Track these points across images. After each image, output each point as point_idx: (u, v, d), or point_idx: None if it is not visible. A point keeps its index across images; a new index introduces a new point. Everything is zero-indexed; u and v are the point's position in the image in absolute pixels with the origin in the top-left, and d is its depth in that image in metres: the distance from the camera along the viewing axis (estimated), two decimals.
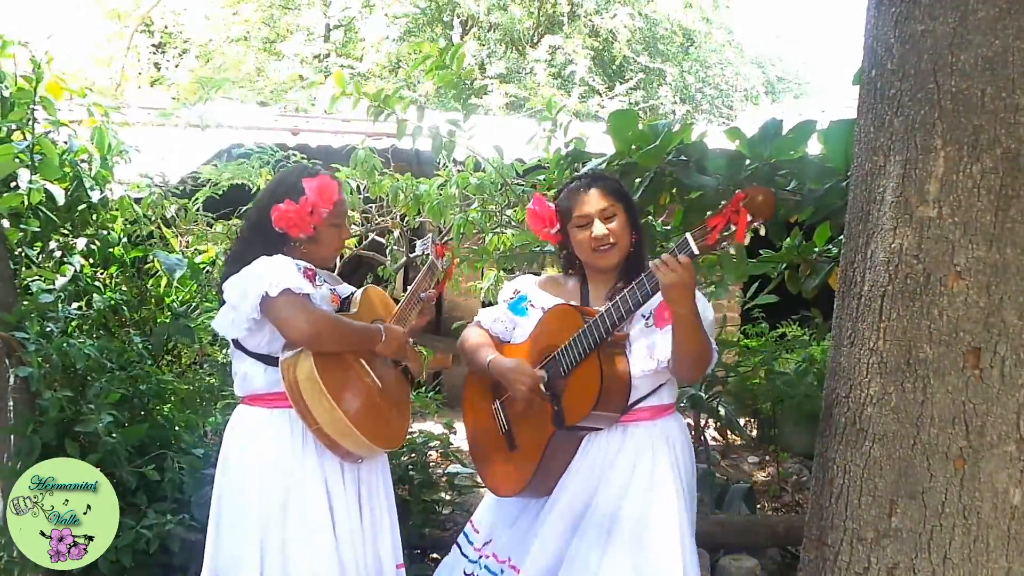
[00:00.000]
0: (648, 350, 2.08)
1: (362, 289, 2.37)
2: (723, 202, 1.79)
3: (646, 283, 1.95)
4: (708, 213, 1.84)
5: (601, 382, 2.00)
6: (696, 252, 1.86)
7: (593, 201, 2.16)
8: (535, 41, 14.57)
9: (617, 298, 2.01)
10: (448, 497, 3.56)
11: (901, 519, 1.77)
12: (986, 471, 1.71)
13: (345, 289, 2.39)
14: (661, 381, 2.14)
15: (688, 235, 1.88)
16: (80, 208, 3.27)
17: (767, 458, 4.93)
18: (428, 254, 2.52)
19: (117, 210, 3.48)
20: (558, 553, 2.10)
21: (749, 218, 1.81)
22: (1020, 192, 1.70)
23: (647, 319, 2.11)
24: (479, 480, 4.02)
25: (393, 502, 2.37)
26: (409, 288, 2.47)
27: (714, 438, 5.29)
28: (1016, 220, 1.70)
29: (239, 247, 2.29)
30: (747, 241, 1.86)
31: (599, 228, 2.14)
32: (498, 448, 2.23)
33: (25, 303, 2.90)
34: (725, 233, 1.84)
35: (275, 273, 2.09)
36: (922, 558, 1.74)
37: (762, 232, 1.85)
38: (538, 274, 2.80)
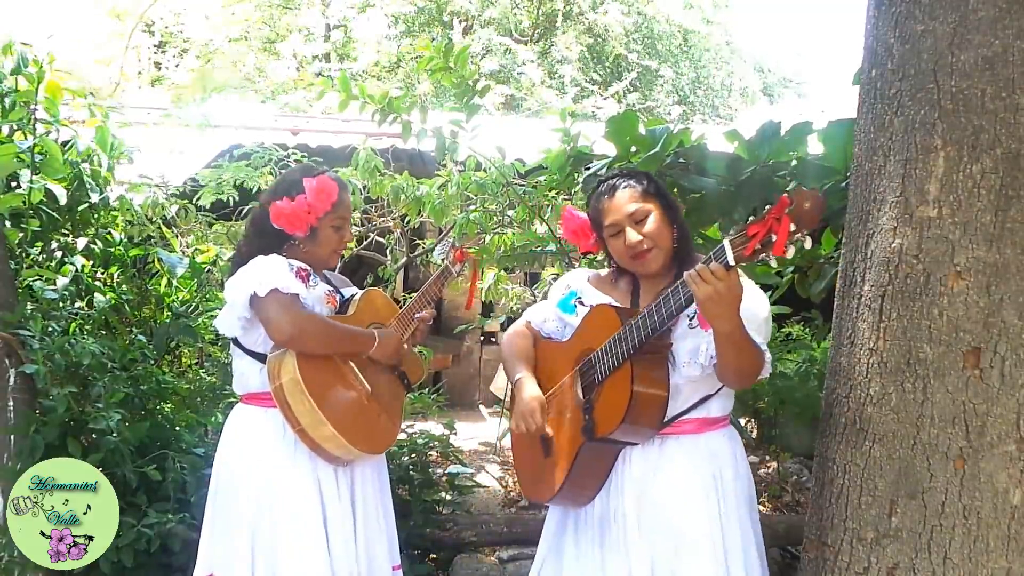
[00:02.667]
0: (692, 354, 1.90)
1: (361, 292, 2.36)
2: (768, 206, 1.57)
3: (680, 293, 1.74)
4: (750, 219, 1.61)
5: (632, 394, 1.82)
6: (732, 263, 1.63)
7: (621, 206, 1.97)
8: (535, 39, 14.58)
9: (652, 305, 1.82)
10: (448, 497, 3.56)
11: (901, 519, 1.77)
12: (986, 471, 1.71)
13: (350, 292, 2.38)
14: (709, 391, 1.96)
15: (725, 242, 1.64)
16: (81, 208, 3.27)
17: (767, 458, 4.93)
18: (444, 259, 2.50)
19: (117, 210, 3.48)
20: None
21: (792, 227, 1.54)
22: (1020, 192, 1.70)
23: (691, 319, 1.92)
24: (479, 480, 4.03)
25: (390, 504, 2.36)
26: (417, 292, 2.46)
27: None
28: (1016, 220, 1.70)
29: (243, 246, 2.30)
30: (789, 254, 1.57)
31: (632, 235, 1.96)
32: (535, 452, 2.09)
33: (29, 303, 2.91)
34: (766, 243, 1.58)
35: (265, 272, 2.10)
36: (922, 558, 1.74)
37: (807, 245, 1.58)
38: (538, 274, 2.79)
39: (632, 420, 1.84)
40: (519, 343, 2.17)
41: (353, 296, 2.34)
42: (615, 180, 2.03)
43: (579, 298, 2.12)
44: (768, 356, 1.89)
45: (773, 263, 1.87)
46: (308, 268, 2.22)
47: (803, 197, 1.55)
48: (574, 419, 1.98)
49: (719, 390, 1.97)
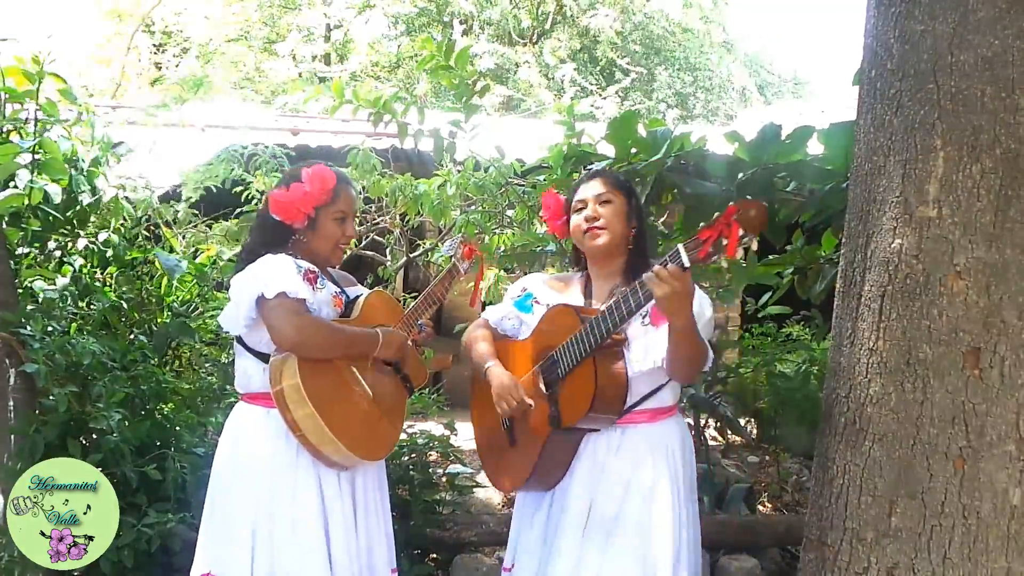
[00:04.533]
0: (645, 350, 2.07)
1: (366, 293, 2.35)
2: (716, 214, 1.80)
3: (639, 292, 1.91)
4: (701, 225, 1.84)
5: (596, 386, 2.00)
6: (687, 264, 1.80)
7: (592, 187, 2.19)
8: (534, 40, 14.59)
9: (611, 303, 1.99)
10: (448, 497, 3.56)
11: (901, 519, 1.77)
12: (986, 471, 1.71)
13: (356, 292, 2.37)
14: (660, 382, 2.12)
15: (680, 246, 1.82)
16: (78, 208, 3.27)
17: (767, 458, 4.93)
18: (452, 257, 2.49)
19: (113, 210, 3.48)
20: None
21: (740, 232, 1.75)
22: (1020, 192, 1.70)
23: (644, 317, 2.10)
24: (479, 480, 4.03)
25: (388, 506, 2.36)
26: (424, 292, 2.45)
27: (714, 438, 5.29)
28: (1016, 220, 1.70)
29: (248, 244, 2.30)
30: (739, 255, 1.85)
31: (590, 210, 2.16)
32: (500, 443, 2.26)
33: (29, 303, 2.91)
34: (717, 246, 1.78)
35: (273, 274, 2.09)
36: (922, 558, 1.74)
37: (753, 247, 1.85)
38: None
39: (596, 409, 2.02)
40: (481, 337, 2.33)
41: (358, 297, 2.33)
42: (597, 171, 2.30)
43: (535, 298, 2.30)
44: (711, 352, 2.09)
45: (724, 264, 2.05)
46: (316, 270, 2.20)
47: (749, 206, 1.77)
48: (540, 410, 2.13)
49: (668, 381, 2.14)
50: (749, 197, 2.61)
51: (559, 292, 2.28)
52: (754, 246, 1.83)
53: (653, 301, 1.88)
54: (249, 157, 4.22)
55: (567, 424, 2.07)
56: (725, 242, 1.76)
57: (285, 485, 2.12)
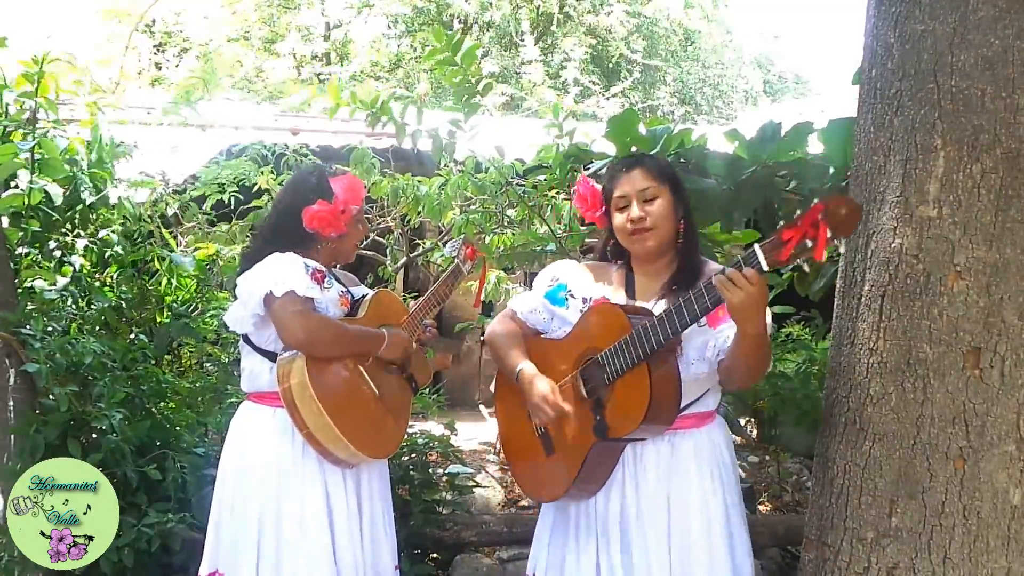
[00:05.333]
0: (700, 351, 1.92)
1: (372, 293, 2.36)
2: (798, 211, 1.59)
3: (706, 296, 1.73)
4: (780, 224, 1.64)
5: (651, 396, 1.81)
6: (766, 268, 1.63)
7: (634, 181, 1.99)
8: (533, 40, 14.59)
9: (674, 307, 1.79)
10: (448, 497, 3.56)
11: (901, 519, 1.77)
12: (986, 471, 1.71)
13: (360, 291, 2.38)
14: (709, 385, 1.99)
15: (757, 247, 1.64)
16: (79, 208, 3.27)
17: (767, 458, 4.93)
18: (455, 257, 2.48)
19: (115, 210, 3.48)
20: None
21: (829, 233, 1.54)
22: (1020, 192, 1.70)
23: (701, 318, 1.90)
24: (479, 480, 4.03)
25: (391, 504, 2.37)
26: (427, 292, 2.46)
27: None
28: (1016, 220, 1.70)
29: (257, 245, 2.30)
30: (824, 259, 1.61)
31: (636, 209, 1.97)
32: (534, 451, 2.07)
33: (29, 303, 2.91)
34: (801, 248, 1.58)
35: (282, 272, 2.10)
36: (922, 558, 1.74)
37: (842, 249, 1.65)
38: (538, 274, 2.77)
39: (649, 420, 1.83)
40: (510, 332, 2.13)
41: (364, 297, 2.33)
42: (636, 158, 2.07)
43: (569, 291, 2.10)
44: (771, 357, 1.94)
45: (806, 268, 1.87)
46: (323, 270, 2.21)
47: (839, 203, 1.55)
48: (582, 418, 1.94)
49: (715, 383, 2.01)
50: (747, 195, 2.60)
51: (597, 285, 2.08)
52: (842, 248, 1.64)
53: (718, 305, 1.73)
54: (278, 157, 4.22)
55: (615, 436, 1.89)
56: (811, 244, 1.55)
57: (292, 485, 2.12)
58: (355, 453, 2.11)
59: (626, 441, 1.94)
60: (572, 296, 2.08)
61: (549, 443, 2.03)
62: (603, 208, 2.10)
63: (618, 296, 2.05)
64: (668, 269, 2.03)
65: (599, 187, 2.13)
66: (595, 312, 2.00)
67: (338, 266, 2.42)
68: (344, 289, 2.29)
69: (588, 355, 1.96)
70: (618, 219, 2.02)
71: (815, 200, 1.58)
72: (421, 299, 2.44)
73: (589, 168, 2.87)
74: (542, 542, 2.16)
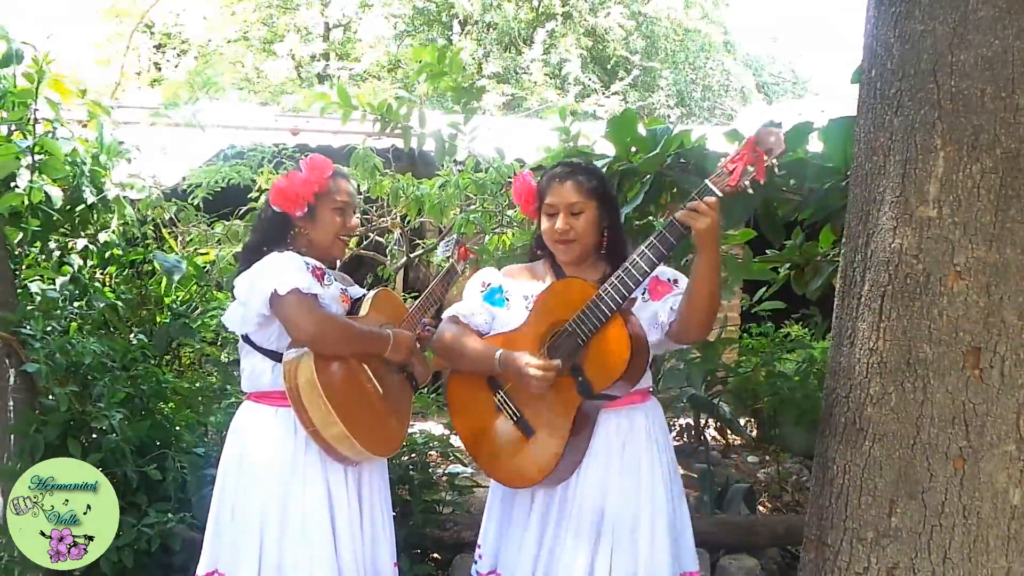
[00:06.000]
0: (651, 321, 2.10)
1: (374, 292, 2.36)
2: (736, 144, 1.88)
3: (676, 228, 1.92)
4: (720, 160, 1.91)
5: (631, 338, 1.96)
6: (720, 194, 1.89)
7: (565, 193, 2.14)
8: (533, 40, 14.60)
9: (646, 244, 1.96)
10: (448, 497, 3.56)
11: (901, 519, 1.77)
12: (986, 471, 1.71)
13: (357, 291, 2.39)
14: (656, 353, 2.16)
15: (708, 181, 1.91)
16: (79, 208, 3.27)
17: (767, 458, 4.93)
18: (450, 258, 2.51)
19: (114, 210, 3.48)
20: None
21: (765, 157, 1.86)
22: (1020, 192, 1.70)
23: (644, 294, 2.12)
24: (479, 480, 4.03)
25: (390, 503, 2.37)
26: (424, 292, 2.46)
27: (714, 438, 5.29)
28: (1016, 220, 1.70)
29: (250, 241, 2.31)
30: (763, 180, 1.90)
31: (561, 222, 2.13)
32: (511, 440, 2.15)
33: (29, 303, 2.91)
34: (745, 174, 1.87)
35: (284, 270, 2.10)
36: (922, 558, 1.75)
37: (776, 168, 1.92)
38: None
39: (631, 367, 1.97)
40: (462, 332, 2.20)
41: (364, 296, 2.33)
42: (570, 169, 2.20)
43: (505, 292, 2.23)
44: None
45: (751, 190, 2.03)
46: (322, 267, 2.22)
47: (766, 132, 1.87)
48: (560, 388, 2.03)
49: (653, 358, 2.17)
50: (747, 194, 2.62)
51: (531, 283, 2.22)
52: (776, 167, 1.92)
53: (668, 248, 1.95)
54: (278, 164, 4.22)
55: (600, 389, 2.01)
56: (752, 168, 1.86)
57: (294, 484, 2.12)
58: (361, 451, 2.11)
59: (604, 398, 2.07)
60: (509, 297, 2.23)
61: (527, 426, 2.11)
62: (536, 204, 2.23)
63: (540, 290, 2.17)
64: (595, 268, 2.18)
65: (534, 184, 2.25)
66: (556, 288, 2.13)
67: (336, 267, 2.42)
68: (343, 288, 2.30)
69: (555, 328, 2.08)
70: (545, 224, 2.18)
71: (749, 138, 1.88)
72: (419, 299, 2.44)
73: (565, 165, 2.87)
74: (497, 539, 2.22)
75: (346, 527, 2.16)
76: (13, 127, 3.04)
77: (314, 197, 2.21)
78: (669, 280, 2.18)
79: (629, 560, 2.06)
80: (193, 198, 4.07)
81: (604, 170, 2.86)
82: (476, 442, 2.24)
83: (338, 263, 2.49)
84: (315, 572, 2.09)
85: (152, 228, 3.77)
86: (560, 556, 2.08)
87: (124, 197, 3.38)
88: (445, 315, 2.28)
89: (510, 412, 2.14)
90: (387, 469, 2.40)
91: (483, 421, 2.21)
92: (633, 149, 2.84)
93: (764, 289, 3.87)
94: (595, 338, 2.00)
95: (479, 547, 2.29)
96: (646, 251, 1.96)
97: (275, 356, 2.16)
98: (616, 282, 1.97)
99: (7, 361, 2.77)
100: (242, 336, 2.24)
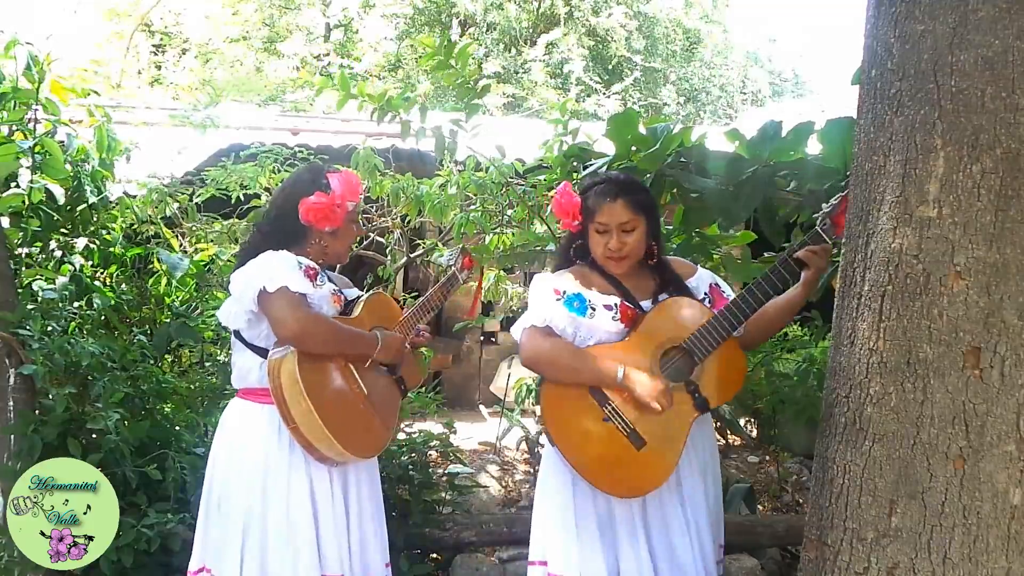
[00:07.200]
0: None
1: (368, 294, 2.37)
2: (833, 200, 2.12)
3: (784, 269, 2.13)
4: (823, 208, 2.13)
5: (745, 361, 2.22)
6: (829, 243, 2.12)
7: (617, 213, 2.19)
8: (533, 40, 14.60)
9: (760, 278, 2.14)
10: (448, 497, 3.56)
11: (901, 519, 1.77)
12: (986, 471, 1.71)
13: (353, 293, 2.39)
14: None
15: (818, 228, 2.13)
16: (81, 208, 3.27)
17: (767, 458, 4.93)
18: (452, 266, 2.51)
19: (116, 210, 3.48)
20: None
21: None
22: (1020, 192, 1.70)
23: (705, 300, 2.31)
24: (479, 480, 4.03)
25: (381, 503, 2.37)
26: (421, 298, 2.47)
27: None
28: (1016, 220, 1.70)
29: (254, 242, 2.31)
30: None
31: (615, 242, 2.20)
32: (623, 450, 2.14)
33: (29, 303, 2.91)
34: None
35: (275, 269, 2.11)
36: (922, 558, 1.74)
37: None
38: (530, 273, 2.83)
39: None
40: (564, 344, 2.19)
41: (359, 297, 2.34)
42: (619, 187, 2.23)
43: (589, 301, 2.21)
44: None
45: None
46: (316, 267, 2.23)
47: None
48: (676, 402, 2.15)
49: None
50: (747, 195, 2.65)
51: (600, 292, 2.23)
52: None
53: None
54: (282, 162, 4.22)
55: (716, 405, 2.19)
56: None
57: (278, 482, 2.13)
58: (341, 451, 2.11)
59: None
60: (594, 306, 2.20)
61: (638, 438, 2.15)
62: (580, 220, 2.26)
63: (615, 298, 2.23)
64: (646, 277, 2.29)
65: (578, 199, 2.26)
66: (666, 307, 2.23)
67: (336, 269, 2.43)
68: (336, 288, 2.30)
69: (667, 346, 2.18)
70: (597, 241, 2.23)
71: (841, 193, 2.09)
72: (416, 304, 2.45)
73: (589, 167, 2.88)
74: (566, 541, 2.17)
75: (331, 528, 2.15)
76: (14, 127, 3.04)
77: (347, 214, 2.26)
78: (724, 294, 2.36)
79: (706, 537, 2.25)
80: (198, 196, 4.08)
81: (605, 168, 2.86)
82: (577, 450, 2.17)
83: (338, 264, 2.50)
84: (299, 571, 2.09)
85: (156, 227, 3.77)
86: (675, 554, 2.20)
87: (131, 197, 3.39)
88: (527, 326, 2.21)
89: (621, 424, 2.15)
90: (378, 470, 2.40)
91: (586, 429, 2.17)
92: (633, 148, 2.84)
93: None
94: (711, 357, 2.16)
95: (542, 561, 2.19)
96: (762, 282, 2.14)
97: (264, 353, 2.17)
98: (733, 307, 2.14)
99: (7, 361, 2.77)
100: (233, 332, 2.25)
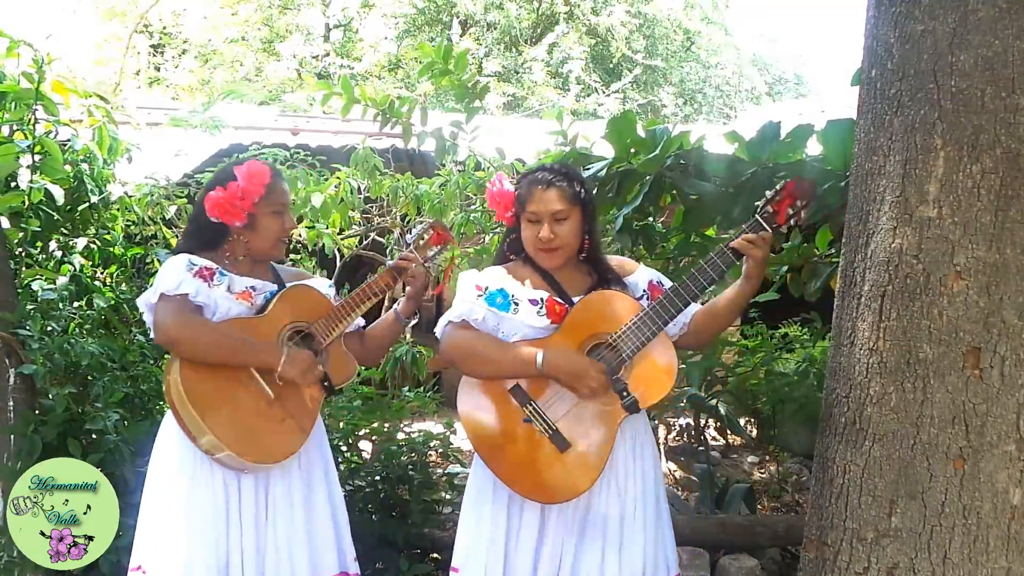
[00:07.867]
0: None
1: (286, 288, 2.22)
2: (776, 188, 2.06)
3: (720, 260, 2.02)
4: (766, 195, 2.06)
5: (676, 361, 2.05)
6: (770, 231, 2.02)
7: (548, 201, 2.09)
8: (534, 40, 14.61)
9: (695, 271, 2.03)
10: (448, 497, 3.56)
11: (901, 519, 1.77)
12: (986, 471, 1.71)
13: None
14: None
15: (757, 216, 2.03)
16: (81, 208, 3.27)
17: (767, 458, 4.94)
18: (419, 241, 2.28)
19: (117, 210, 3.48)
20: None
21: (801, 202, 2.03)
22: (1020, 192, 1.70)
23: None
24: None
25: (332, 505, 2.24)
26: (358, 287, 2.28)
27: (714, 438, 5.30)
28: (1016, 220, 1.70)
29: (178, 245, 2.26)
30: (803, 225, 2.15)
31: (546, 231, 2.09)
32: (545, 453, 2.04)
33: (29, 303, 2.91)
34: (787, 216, 2.03)
35: (160, 276, 2.09)
36: (922, 558, 1.74)
37: (803, 215, 2.06)
38: None
39: (674, 385, 2.08)
40: (480, 335, 2.11)
41: (278, 292, 2.22)
42: (552, 176, 2.14)
43: (512, 296, 2.12)
44: None
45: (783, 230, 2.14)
46: (213, 267, 2.13)
47: (800, 180, 2.06)
48: (602, 403, 2.04)
49: None
50: (747, 196, 2.64)
51: (524, 286, 2.13)
52: (804, 214, 2.07)
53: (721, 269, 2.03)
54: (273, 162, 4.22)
55: (647, 405, 2.04)
56: (791, 211, 2.03)
57: (179, 488, 2.08)
58: (235, 459, 2.02)
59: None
60: (517, 301, 2.11)
61: (561, 440, 2.03)
62: (513, 211, 2.20)
63: (546, 293, 2.13)
64: (580, 272, 2.18)
65: (512, 189, 2.20)
66: (592, 301, 2.10)
67: (337, 269, 2.39)
68: (249, 286, 2.18)
69: (591, 342, 2.06)
70: (529, 231, 2.14)
71: (784, 180, 2.08)
72: (352, 293, 2.27)
73: (588, 170, 2.87)
74: (478, 548, 2.09)
75: (236, 536, 2.08)
76: (14, 127, 3.04)
77: (253, 206, 2.15)
78: (661, 285, 2.20)
79: (637, 559, 2.06)
80: (198, 197, 4.08)
81: (604, 172, 2.86)
82: (495, 454, 2.07)
83: (338, 264, 2.47)
84: (194, 568, 2.02)
85: (157, 228, 3.77)
86: (584, 565, 2.05)
87: (131, 197, 3.39)
88: (446, 321, 2.16)
89: (543, 426, 2.05)
90: (325, 472, 2.26)
91: (505, 432, 2.08)
92: (632, 150, 2.83)
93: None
94: (641, 354, 2.04)
95: (458, 568, 2.13)
96: (697, 275, 2.03)
97: None
98: (665, 301, 2.03)
99: (7, 361, 2.77)
100: None
